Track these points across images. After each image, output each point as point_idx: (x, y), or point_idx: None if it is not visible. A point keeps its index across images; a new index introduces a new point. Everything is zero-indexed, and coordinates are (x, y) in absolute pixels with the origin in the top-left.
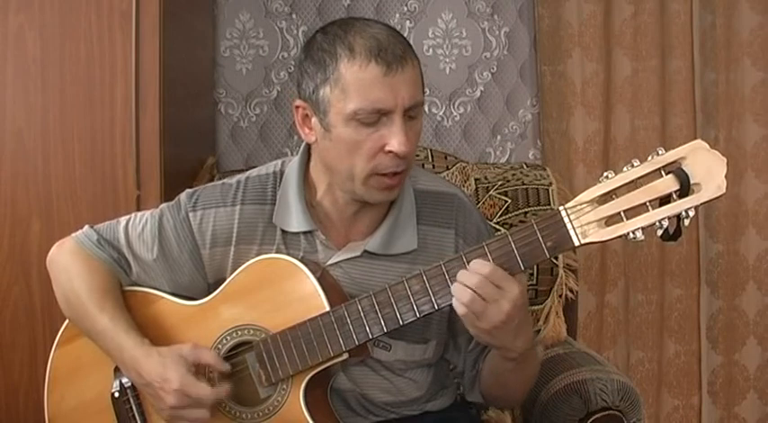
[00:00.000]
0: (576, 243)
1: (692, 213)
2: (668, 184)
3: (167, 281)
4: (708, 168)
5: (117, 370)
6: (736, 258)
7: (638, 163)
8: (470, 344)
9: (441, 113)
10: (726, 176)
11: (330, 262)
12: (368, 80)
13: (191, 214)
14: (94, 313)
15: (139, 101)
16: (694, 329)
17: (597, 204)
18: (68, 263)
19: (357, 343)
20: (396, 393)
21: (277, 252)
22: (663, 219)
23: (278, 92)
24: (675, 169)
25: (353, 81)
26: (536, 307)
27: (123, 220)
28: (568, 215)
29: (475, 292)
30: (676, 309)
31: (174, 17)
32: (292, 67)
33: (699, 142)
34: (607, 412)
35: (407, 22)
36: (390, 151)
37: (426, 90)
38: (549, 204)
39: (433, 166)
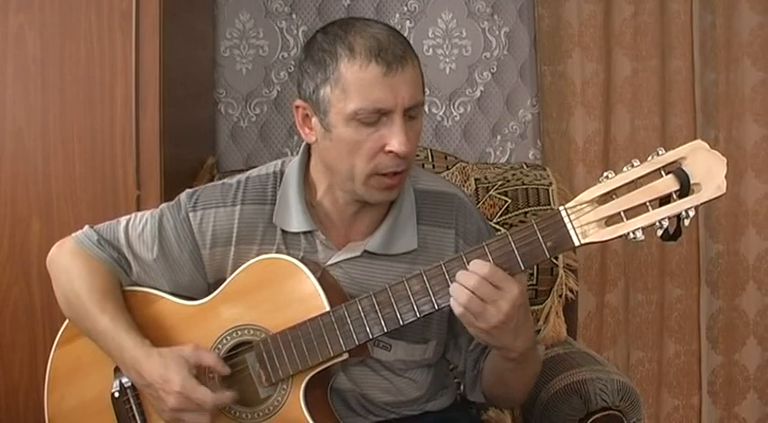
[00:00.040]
0: (577, 243)
1: (692, 213)
2: (668, 184)
3: (167, 281)
4: (708, 168)
5: (117, 370)
6: (736, 258)
7: (638, 163)
8: (471, 344)
9: (441, 113)
10: (726, 176)
11: (330, 262)
12: (368, 80)
13: (191, 214)
14: (95, 313)
15: (139, 101)
16: (694, 329)
17: (597, 204)
18: (69, 263)
19: (357, 343)
20: (396, 393)
21: (277, 252)
22: (663, 219)
23: (278, 92)
24: (675, 169)
25: (354, 81)
26: (536, 307)
27: (123, 220)
28: (568, 215)
29: (473, 292)
30: (676, 309)
31: (174, 17)
32: (292, 67)
33: (699, 142)
34: (607, 412)
35: (407, 22)
36: (391, 151)
37: (426, 90)
38: (549, 204)
39: (433, 166)
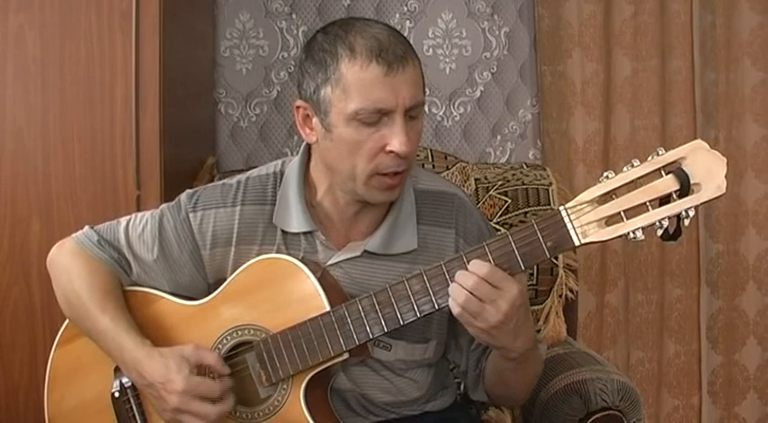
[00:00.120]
0: (577, 243)
1: (691, 213)
2: (668, 183)
3: (167, 281)
4: (708, 168)
5: (117, 370)
6: (736, 258)
7: (638, 163)
8: (473, 344)
9: (441, 113)
10: (726, 176)
11: (330, 262)
12: (369, 80)
13: (191, 215)
14: (95, 314)
15: (139, 101)
16: (694, 329)
17: (597, 204)
18: (69, 263)
19: (357, 343)
20: (396, 393)
21: (277, 252)
22: (663, 218)
23: (278, 92)
24: (675, 169)
25: (354, 81)
26: (536, 307)
27: (123, 220)
28: (569, 215)
29: (471, 292)
30: (676, 309)
31: (174, 17)
32: (292, 67)
33: (699, 142)
34: (607, 412)
35: (407, 22)
36: (391, 151)
37: (426, 90)
38: (549, 204)
39: (433, 166)
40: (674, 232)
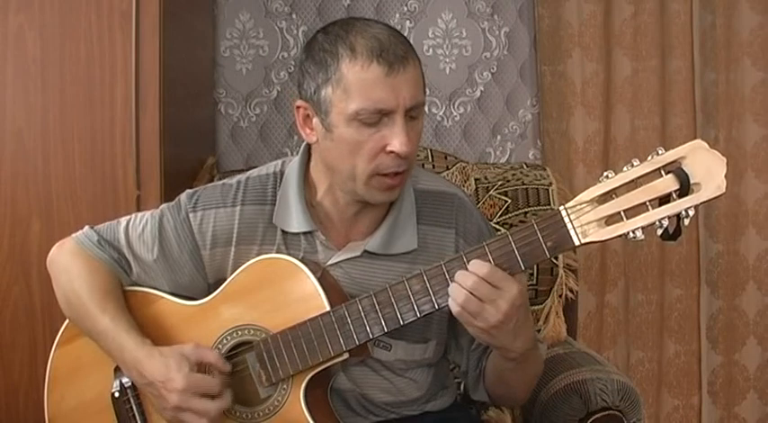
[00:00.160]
0: (577, 243)
1: (691, 213)
2: (668, 183)
3: (167, 281)
4: (707, 168)
5: (117, 370)
6: (736, 258)
7: (638, 163)
8: (473, 344)
9: (441, 113)
10: (725, 176)
11: (330, 262)
12: (370, 80)
13: (191, 215)
14: (95, 314)
15: (139, 101)
16: (694, 329)
17: (597, 204)
18: (69, 263)
19: (357, 343)
20: (396, 393)
21: (277, 252)
22: (663, 218)
23: (278, 92)
24: (675, 169)
25: (355, 81)
26: (536, 307)
27: (123, 220)
28: (568, 215)
29: (471, 292)
30: (676, 309)
31: (174, 17)
32: (292, 67)
33: (698, 142)
34: (607, 412)
35: (407, 22)
36: (392, 151)
37: (426, 90)
38: (549, 204)
39: (433, 166)
40: (673, 232)
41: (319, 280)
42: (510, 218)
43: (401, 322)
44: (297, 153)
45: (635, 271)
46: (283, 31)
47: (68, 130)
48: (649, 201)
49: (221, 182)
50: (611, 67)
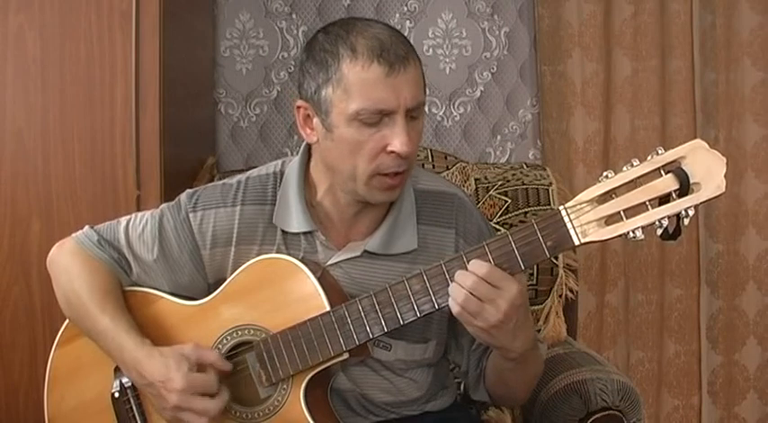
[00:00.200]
0: (577, 242)
1: (691, 213)
2: (668, 183)
3: (167, 281)
4: (707, 168)
5: (117, 370)
6: (736, 258)
7: (638, 162)
8: (473, 344)
9: (441, 113)
10: (725, 176)
11: (330, 262)
12: (370, 80)
13: (191, 215)
14: (95, 314)
15: (139, 101)
16: (694, 329)
17: (597, 204)
18: (69, 263)
19: (357, 343)
20: (396, 393)
21: (277, 252)
22: (662, 218)
23: (278, 92)
24: (675, 169)
25: (356, 81)
26: (536, 307)
27: (123, 220)
28: (568, 215)
29: (470, 292)
30: (676, 309)
31: (174, 17)
32: (292, 67)
33: (698, 142)
34: (607, 412)
35: (407, 22)
36: (392, 151)
37: (426, 90)
38: (549, 204)
39: (433, 166)
40: (673, 232)
41: (319, 280)
42: (510, 218)
43: (401, 322)
44: (297, 153)
45: (635, 271)
46: (283, 31)
47: (68, 130)
48: (649, 200)
49: (221, 182)
50: (611, 67)
